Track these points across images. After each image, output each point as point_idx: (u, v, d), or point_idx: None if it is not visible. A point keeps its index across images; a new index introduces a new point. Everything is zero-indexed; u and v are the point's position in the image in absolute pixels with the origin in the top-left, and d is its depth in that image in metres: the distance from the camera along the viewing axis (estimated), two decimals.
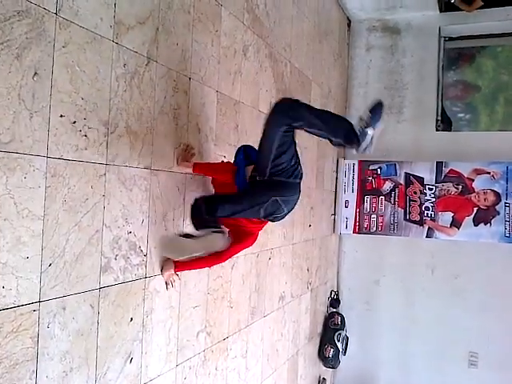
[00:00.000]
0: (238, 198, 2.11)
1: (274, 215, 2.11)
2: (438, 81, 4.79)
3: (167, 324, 2.21)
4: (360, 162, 4.72)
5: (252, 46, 2.91)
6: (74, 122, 1.67)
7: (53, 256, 1.60)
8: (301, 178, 2.13)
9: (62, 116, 1.61)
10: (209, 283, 2.54)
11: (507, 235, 4.26)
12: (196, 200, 2.16)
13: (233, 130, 2.73)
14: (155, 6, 2.07)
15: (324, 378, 4.68)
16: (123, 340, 1.94)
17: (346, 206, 4.77)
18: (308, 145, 3.81)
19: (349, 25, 4.97)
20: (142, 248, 2.03)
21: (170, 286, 2.20)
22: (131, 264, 1.97)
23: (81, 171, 1.70)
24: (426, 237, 4.48)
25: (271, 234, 3.30)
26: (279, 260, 3.48)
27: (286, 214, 2.15)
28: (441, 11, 4.72)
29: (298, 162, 2.09)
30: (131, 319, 1.98)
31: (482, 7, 4.46)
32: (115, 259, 1.89)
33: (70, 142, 1.65)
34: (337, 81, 4.69)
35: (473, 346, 4.54)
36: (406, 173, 4.54)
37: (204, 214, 2.09)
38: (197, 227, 2.14)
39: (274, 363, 3.49)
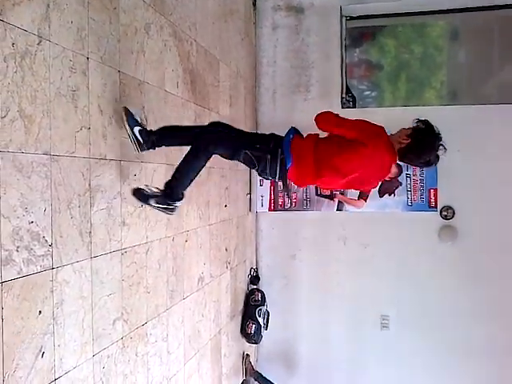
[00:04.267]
0: None
1: None
2: (342, 59, 4.96)
3: (80, 314, 2.14)
4: None
5: (154, 25, 2.83)
6: None
7: None
8: None
9: None
10: (122, 270, 2.48)
11: (409, 204, 4.58)
12: None
13: (140, 112, 2.65)
14: None
15: (248, 354, 4.79)
16: (32, 334, 1.85)
17: (260, 185, 4.85)
18: None
19: (254, 4, 4.99)
20: (46, 238, 1.93)
21: None
22: (35, 255, 1.87)
23: None
24: (337, 210, 4.69)
25: (186, 216, 3.29)
26: (196, 242, 3.48)
27: None
28: None
29: None
30: (40, 312, 1.89)
31: None
32: (17, 251, 1.78)
33: None
34: (245, 60, 4.71)
35: (384, 309, 4.86)
36: None
37: None
38: None
39: (197, 344, 3.51)
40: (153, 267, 2.82)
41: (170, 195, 2.47)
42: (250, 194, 4.85)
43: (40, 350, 1.89)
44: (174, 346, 3.12)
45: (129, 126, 2.37)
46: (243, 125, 4.62)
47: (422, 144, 2.53)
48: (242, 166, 4.52)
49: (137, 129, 2.38)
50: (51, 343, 1.95)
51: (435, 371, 4.70)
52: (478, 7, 4.88)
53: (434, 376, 4.71)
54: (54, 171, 1.98)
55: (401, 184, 4.58)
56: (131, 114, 2.39)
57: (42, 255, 1.91)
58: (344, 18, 5.00)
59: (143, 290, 2.70)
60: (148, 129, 2.48)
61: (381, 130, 2.61)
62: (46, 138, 1.94)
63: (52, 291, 1.96)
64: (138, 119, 2.43)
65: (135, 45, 2.63)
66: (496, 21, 5.29)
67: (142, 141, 2.40)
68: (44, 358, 1.91)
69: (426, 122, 2.55)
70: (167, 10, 3.00)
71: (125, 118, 2.37)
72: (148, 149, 2.47)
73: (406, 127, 2.58)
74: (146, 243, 2.73)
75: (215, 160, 3.71)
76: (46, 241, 1.93)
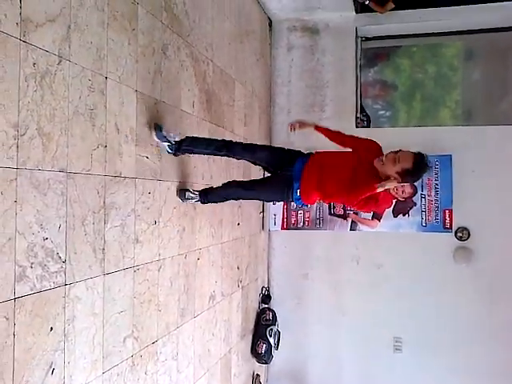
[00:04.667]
0: None
1: None
2: (356, 79, 4.99)
3: (91, 331, 2.14)
4: None
5: (171, 45, 2.89)
6: None
7: None
8: None
9: None
10: (134, 287, 2.49)
11: (424, 224, 4.54)
12: None
13: (155, 130, 2.69)
14: (66, 3, 1.99)
15: (258, 374, 4.74)
16: (43, 351, 1.86)
17: (273, 204, 4.85)
18: None
19: (270, 25, 5.05)
20: (60, 254, 1.95)
21: None
22: (49, 272, 1.89)
23: None
24: (350, 230, 4.66)
25: (199, 233, 3.29)
26: (208, 260, 3.48)
27: None
28: (357, 12, 4.92)
29: None
30: (51, 329, 1.90)
31: (393, 9, 4.71)
32: (31, 267, 1.80)
33: None
34: (260, 80, 4.76)
35: (397, 331, 4.78)
36: None
37: None
38: None
39: (207, 363, 3.48)
40: (164, 285, 2.82)
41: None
42: (263, 212, 4.85)
43: (50, 367, 1.89)
44: (184, 364, 3.10)
45: (158, 139, 2.67)
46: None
47: (412, 179, 2.73)
48: None
49: (165, 144, 2.72)
50: (61, 360, 1.96)
51: None
52: (492, 28, 4.89)
53: None
54: (70, 188, 2.01)
55: (415, 204, 4.55)
56: (160, 128, 2.66)
57: (56, 272, 1.93)
58: (359, 39, 5.05)
59: (154, 308, 2.70)
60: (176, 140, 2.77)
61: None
62: (63, 155, 1.97)
63: (64, 307, 1.97)
64: (166, 135, 2.69)
65: (152, 65, 2.68)
66: (510, 41, 5.28)
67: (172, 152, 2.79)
68: (54, 374, 1.91)
69: (414, 163, 2.53)
70: (184, 32, 3.05)
71: (154, 132, 2.65)
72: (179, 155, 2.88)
73: (397, 157, 2.55)
74: (158, 260, 2.74)
75: (229, 177, 3.74)
76: (60, 257, 1.95)
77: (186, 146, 2.80)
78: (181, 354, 3.04)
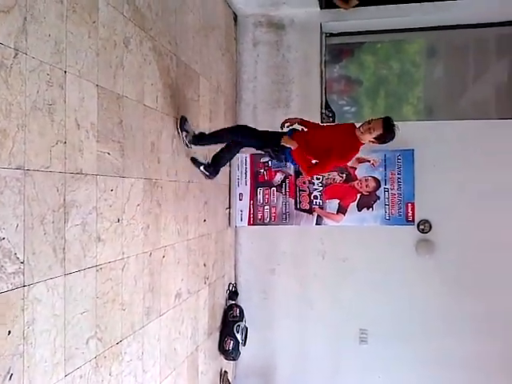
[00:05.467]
0: None
1: None
2: (321, 75, 5.02)
3: (52, 333, 2.08)
4: (252, 155, 4.81)
5: (133, 39, 2.82)
6: None
7: None
8: None
9: None
10: (97, 287, 2.43)
11: (387, 218, 4.62)
12: None
13: (117, 126, 2.62)
14: None
15: (226, 371, 4.73)
16: (0, 356, 1.79)
17: (240, 199, 4.84)
18: None
19: (235, 19, 5.02)
20: (17, 255, 1.88)
21: None
22: (6, 273, 1.82)
23: None
24: (316, 224, 4.70)
25: (164, 231, 3.25)
26: (174, 257, 3.44)
27: None
28: (321, 8, 4.94)
29: None
30: (9, 332, 1.83)
31: (357, 5, 4.75)
32: None
33: None
34: (226, 75, 4.72)
35: (363, 323, 4.87)
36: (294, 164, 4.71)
37: None
38: None
39: (173, 362, 3.44)
40: (129, 284, 2.76)
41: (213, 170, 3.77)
42: (230, 208, 4.83)
43: (8, 372, 1.82)
44: (150, 364, 3.06)
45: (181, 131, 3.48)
46: None
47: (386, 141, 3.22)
48: (221, 181, 4.52)
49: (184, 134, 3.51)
50: (20, 364, 1.89)
51: None
52: (454, 25, 5.01)
53: None
54: (28, 186, 1.94)
55: (379, 198, 4.63)
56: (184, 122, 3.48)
57: (13, 272, 1.86)
58: (324, 35, 5.08)
59: (118, 307, 2.65)
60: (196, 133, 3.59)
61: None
62: (21, 152, 1.90)
63: (23, 310, 1.91)
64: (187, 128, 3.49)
65: (114, 59, 2.61)
66: (471, 39, 5.42)
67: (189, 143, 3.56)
68: (12, 380, 1.84)
69: (384, 128, 3.12)
70: (147, 25, 2.99)
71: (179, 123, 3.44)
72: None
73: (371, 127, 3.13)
74: (122, 259, 2.68)
75: (194, 173, 3.70)
76: (18, 258, 1.88)
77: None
78: (146, 353, 2.99)
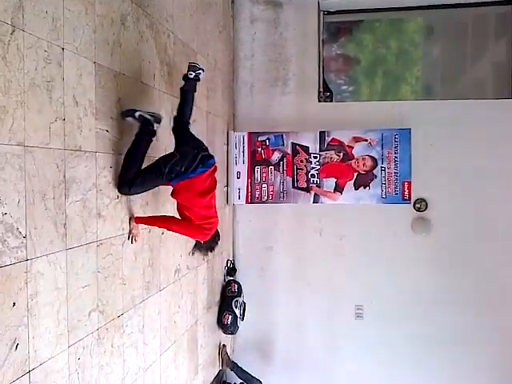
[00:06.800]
0: None
1: None
2: (319, 53, 5.01)
3: (55, 306, 2.14)
4: (249, 133, 4.83)
5: (131, 16, 2.82)
6: None
7: None
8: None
9: None
10: (98, 262, 2.48)
11: (384, 196, 4.66)
12: None
13: (115, 103, 2.64)
14: None
15: (224, 345, 4.83)
16: (6, 326, 1.85)
17: (237, 178, 4.87)
18: (197, 118, 3.80)
19: None
20: (20, 229, 1.92)
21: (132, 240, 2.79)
22: (9, 247, 1.86)
23: None
24: (313, 202, 4.74)
25: (163, 208, 3.29)
26: (173, 233, 3.48)
27: None
28: None
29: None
30: (14, 304, 1.89)
31: None
32: None
33: None
34: (223, 53, 4.71)
35: (358, 299, 4.96)
36: (292, 143, 4.74)
37: None
38: None
39: (173, 335, 3.53)
40: (129, 259, 2.82)
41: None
42: (228, 186, 4.87)
43: (14, 342, 1.89)
44: (150, 337, 3.14)
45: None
46: (221, 119, 4.63)
47: None
48: (220, 158, 4.55)
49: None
50: (25, 335, 1.95)
51: (409, 359, 4.84)
52: (453, 4, 4.98)
53: (409, 364, 4.85)
54: (28, 162, 1.97)
55: (376, 177, 4.66)
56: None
57: (16, 247, 1.91)
58: (322, 13, 5.05)
59: (119, 282, 2.71)
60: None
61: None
62: (20, 129, 1.93)
63: (26, 283, 1.96)
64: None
65: (111, 36, 2.61)
66: (469, 18, 5.40)
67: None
68: (18, 349, 1.91)
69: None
70: (144, 1, 2.98)
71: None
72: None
73: None
74: (122, 235, 2.73)
75: None
76: (20, 232, 1.93)
77: None
78: (147, 326, 3.07)
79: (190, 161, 2.80)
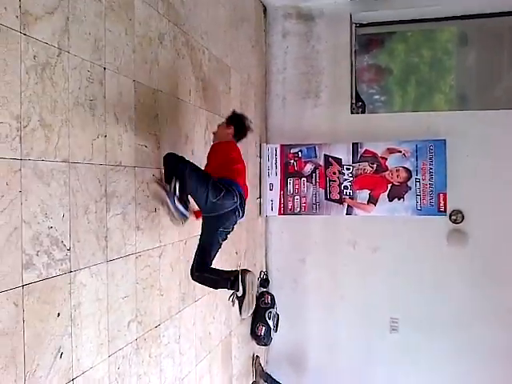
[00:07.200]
0: None
1: None
2: (351, 65, 5.02)
3: (96, 316, 2.21)
4: (282, 146, 4.86)
5: (168, 34, 2.91)
6: None
7: None
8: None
9: None
10: (137, 273, 2.55)
11: (419, 208, 4.60)
12: None
13: (153, 119, 2.73)
14: None
15: (257, 356, 4.84)
16: (51, 336, 1.93)
17: (270, 189, 4.91)
18: None
19: (264, 12, 5.06)
20: (64, 242, 2.01)
21: None
22: (54, 259, 1.95)
23: None
24: (346, 214, 4.72)
25: (198, 220, 3.34)
26: None
27: None
28: None
29: None
30: (58, 314, 1.97)
31: None
32: (37, 255, 1.86)
33: None
34: (255, 67, 4.78)
35: (393, 312, 4.89)
36: (324, 155, 4.75)
37: None
38: None
39: (208, 346, 3.57)
40: (166, 270, 2.89)
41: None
42: (260, 198, 4.91)
43: (58, 351, 1.96)
44: (186, 347, 3.19)
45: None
46: (254, 131, 4.67)
47: (239, 126, 3.03)
48: (252, 171, 4.60)
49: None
50: (69, 344, 2.03)
51: (444, 374, 4.72)
52: (487, 14, 4.92)
53: (444, 379, 4.73)
54: (72, 178, 2.06)
55: (410, 188, 4.61)
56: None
57: (61, 259, 1.99)
58: (354, 25, 5.06)
59: (157, 293, 2.77)
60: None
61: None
62: (65, 146, 2.02)
63: (70, 294, 2.04)
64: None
65: (149, 54, 2.71)
66: (505, 27, 5.31)
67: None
68: (62, 358, 1.98)
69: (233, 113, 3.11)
70: (180, 20, 3.08)
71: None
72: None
73: (220, 123, 3.07)
74: (159, 247, 2.80)
75: None
76: (65, 245, 2.01)
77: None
78: (183, 337, 3.12)
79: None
